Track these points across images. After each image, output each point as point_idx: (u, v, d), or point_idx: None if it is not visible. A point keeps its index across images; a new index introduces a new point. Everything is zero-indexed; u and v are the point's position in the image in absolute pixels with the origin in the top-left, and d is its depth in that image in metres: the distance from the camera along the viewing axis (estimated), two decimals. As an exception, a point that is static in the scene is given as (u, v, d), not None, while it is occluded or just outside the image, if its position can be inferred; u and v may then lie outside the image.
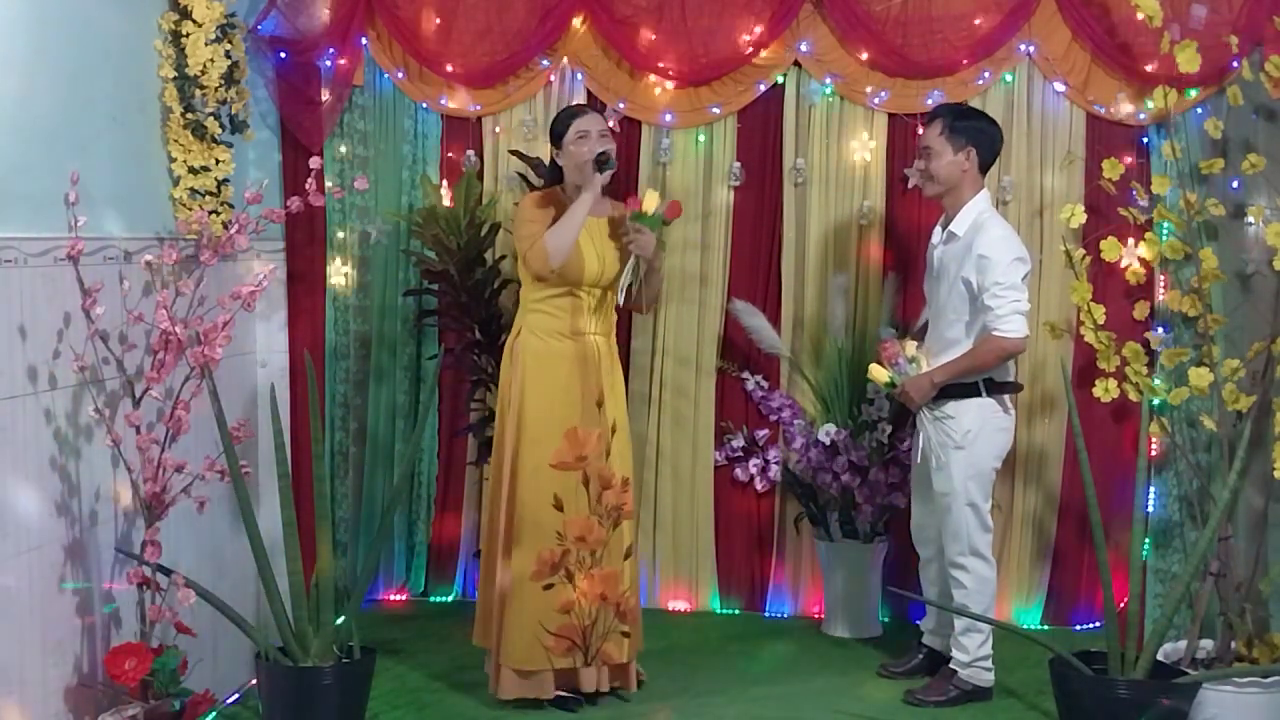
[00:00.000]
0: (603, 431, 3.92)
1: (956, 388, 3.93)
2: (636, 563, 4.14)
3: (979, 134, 3.99)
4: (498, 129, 4.91)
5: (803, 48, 4.67)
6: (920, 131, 4.06)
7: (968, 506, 3.93)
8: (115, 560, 3.82)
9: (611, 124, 4.52)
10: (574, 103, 4.61)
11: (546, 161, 4.26)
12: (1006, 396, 4.01)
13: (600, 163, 3.86)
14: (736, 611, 4.96)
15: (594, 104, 4.70)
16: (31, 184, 3.49)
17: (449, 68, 4.77)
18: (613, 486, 3.93)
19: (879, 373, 4.04)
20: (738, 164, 4.81)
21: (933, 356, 4.00)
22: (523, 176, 4.74)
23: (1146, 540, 4.36)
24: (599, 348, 3.95)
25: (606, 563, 3.91)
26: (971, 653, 3.96)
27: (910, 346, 4.05)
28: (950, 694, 3.98)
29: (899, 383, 3.99)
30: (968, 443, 3.92)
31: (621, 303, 3.99)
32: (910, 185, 4.66)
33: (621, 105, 4.78)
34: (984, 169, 4.03)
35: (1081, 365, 4.57)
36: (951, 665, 4.01)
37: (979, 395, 3.93)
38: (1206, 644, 4.04)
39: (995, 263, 3.83)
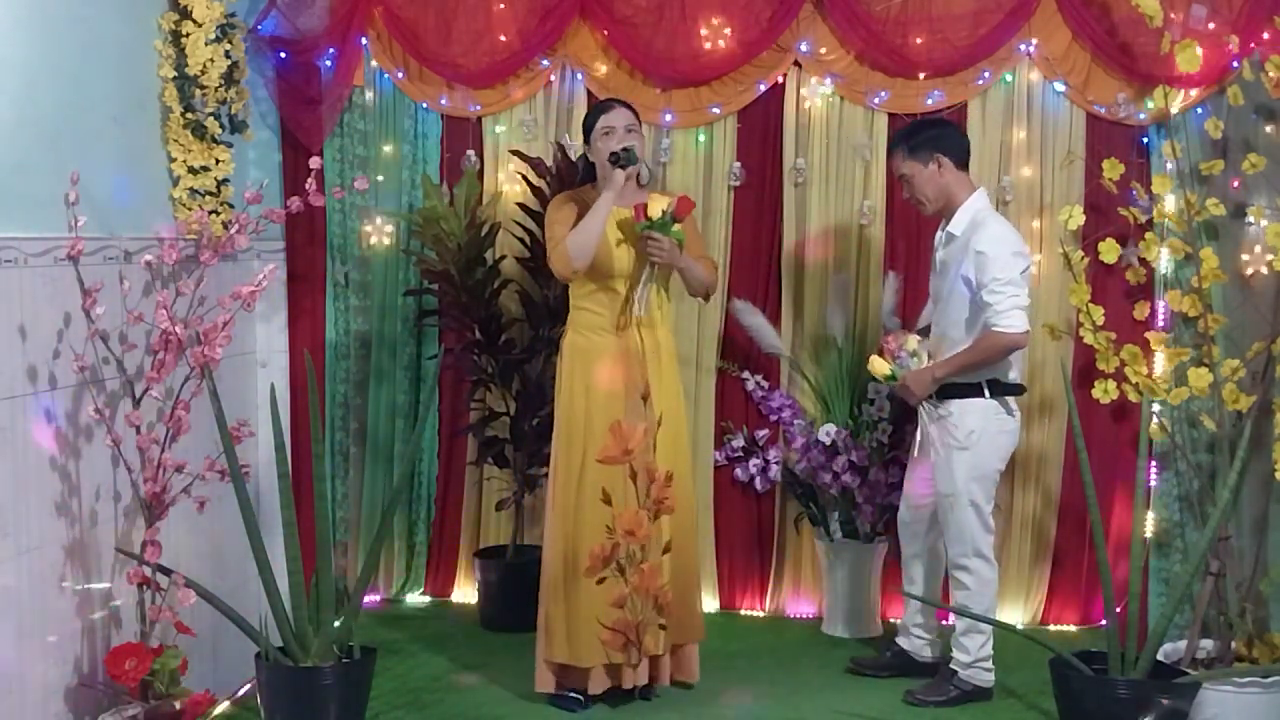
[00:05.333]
0: (649, 425, 3.88)
1: (959, 387, 3.92)
2: (695, 556, 4.12)
3: (938, 140, 3.98)
4: (498, 129, 4.92)
5: (803, 48, 4.67)
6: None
7: (970, 507, 3.92)
8: (115, 560, 3.83)
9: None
10: (585, 102, 4.56)
11: (575, 157, 4.28)
12: (1010, 399, 3.99)
13: (616, 159, 3.79)
14: (736, 611, 4.96)
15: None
16: (31, 184, 3.49)
17: (449, 68, 4.78)
18: (656, 480, 3.89)
19: (880, 365, 4.02)
20: (738, 164, 4.80)
21: (937, 355, 4.00)
22: (523, 176, 4.73)
23: (1146, 540, 4.35)
24: (643, 340, 3.91)
25: (651, 557, 3.88)
26: (973, 653, 3.96)
27: (912, 341, 4.04)
28: (950, 694, 3.97)
29: (899, 376, 3.98)
30: (971, 443, 3.91)
31: (640, 312, 3.90)
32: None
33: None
34: (963, 166, 4.00)
35: (1081, 366, 4.57)
36: (952, 665, 4.01)
37: (982, 396, 3.92)
38: (1207, 644, 4.04)
39: (993, 259, 3.81)
